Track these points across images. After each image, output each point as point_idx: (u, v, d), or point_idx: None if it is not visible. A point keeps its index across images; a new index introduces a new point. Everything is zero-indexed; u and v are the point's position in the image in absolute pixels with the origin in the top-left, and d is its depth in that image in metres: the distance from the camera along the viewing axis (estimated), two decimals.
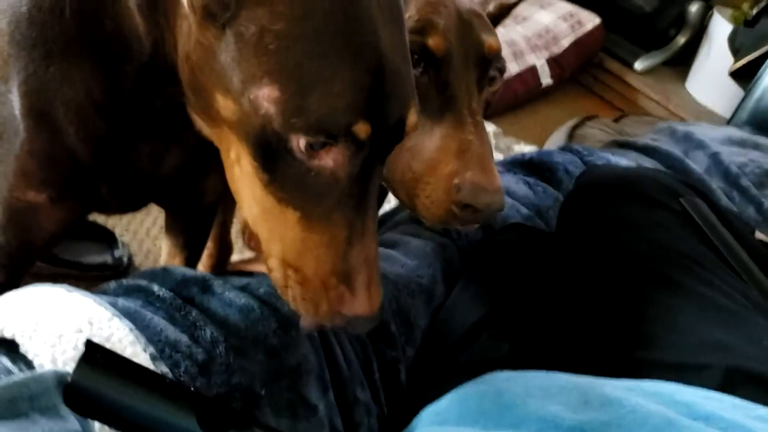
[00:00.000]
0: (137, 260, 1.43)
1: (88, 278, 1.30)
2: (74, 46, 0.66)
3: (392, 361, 0.83)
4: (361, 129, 0.52)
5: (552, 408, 0.64)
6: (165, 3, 0.59)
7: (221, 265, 1.31)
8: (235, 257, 1.41)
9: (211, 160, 0.79)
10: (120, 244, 1.38)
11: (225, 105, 0.55)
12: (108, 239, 1.38)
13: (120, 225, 1.46)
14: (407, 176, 0.73)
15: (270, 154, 0.54)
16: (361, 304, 0.56)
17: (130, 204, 0.88)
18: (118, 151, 0.73)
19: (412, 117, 0.57)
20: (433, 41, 0.72)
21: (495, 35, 0.77)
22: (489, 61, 0.76)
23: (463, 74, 0.73)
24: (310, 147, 0.52)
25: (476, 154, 0.70)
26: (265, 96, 0.51)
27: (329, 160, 0.54)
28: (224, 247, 1.31)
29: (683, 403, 0.62)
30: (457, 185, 0.69)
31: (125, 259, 1.37)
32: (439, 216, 0.71)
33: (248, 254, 1.51)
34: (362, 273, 0.56)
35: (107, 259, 1.35)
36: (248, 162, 0.56)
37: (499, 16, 0.87)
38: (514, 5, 0.89)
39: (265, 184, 0.56)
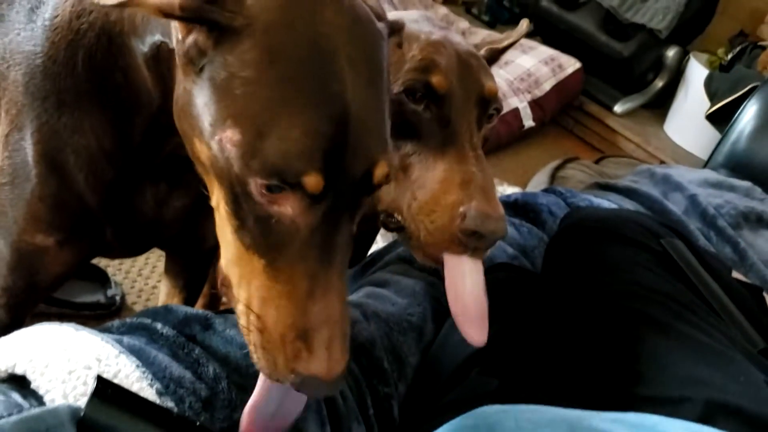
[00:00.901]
0: (129, 299, 1.44)
1: (80, 317, 1.32)
2: (86, 97, 0.69)
3: (385, 396, 0.85)
4: (312, 180, 0.52)
5: None
6: (166, 56, 0.61)
7: (213, 305, 1.33)
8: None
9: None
10: (113, 284, 1.40)
11: (201, 149, 0.56)
12: (101, 278, 1.40)
13: (112, 265, 1.48)
14: (413, 207, 0.75)
15: (237, 199, 0.55)
16: (317, 364, 0.53)
17: (134, 248, 0.91)
18: (125, 197, 0.75)
19: (380, 170, 0.56)
20: (435, 79, 0.75)
21: (492, 78, 0.81)
22: (488, 101, 0.79)
23: (464, 111, 0.76)
24: (268, 190, 0.52)
25: (479, 184, 0.72)
26: (228, 138, 0.52)
27: (288, 207, 0.53)
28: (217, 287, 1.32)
29: None
30: (463, 213, 0.71)
31: (118, 299, 1.39)
32: (443, 242, 0.73)
33: None
34: (322, 331, 0.54)
35: (100, 298, 1.37)
36: (223, 207, 0.57)
37: (490, 60, 0.90)
38: (504, 50, 0.92)
39: (235, 229, 0.56)
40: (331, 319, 0.54)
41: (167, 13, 0.52)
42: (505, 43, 0.92)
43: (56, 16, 0.69)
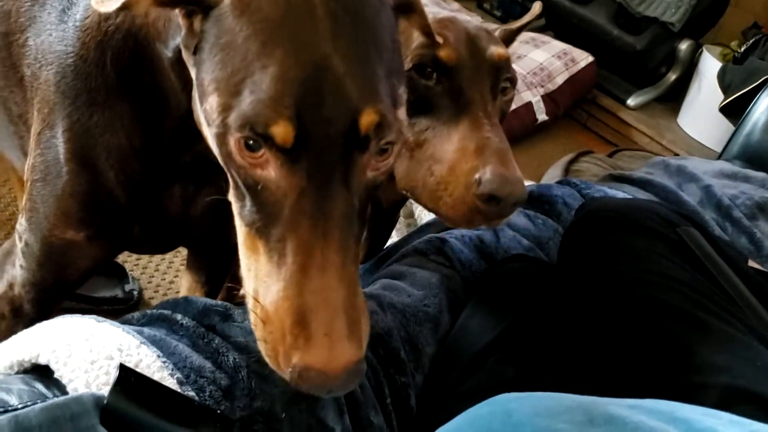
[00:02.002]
0: (146, 294, 1.46)
1: (99, 311, 1.33)
2: (116, 97, 0.70)
3: (402, 386, 0.85)
4: (280, 130, 0.48)
5: (559, 426, 0.66)
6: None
7: (231, 298, 1.34)
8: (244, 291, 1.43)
9: None
10: (130, 279, 1.42)
11: (207, 136, 0.55)
12: (119, 274, 1.41)
13: (130, 260, 1.50)
14: (429, 181, 0.75)
15: (233, 176, 0.53)
16: (316, 354, 0.48)
17: (161, 245, 0.92)
18: (153, 194, 0.76)
19: (367, 118, 0.51)
20: (443, 52, 0.76)
21: (503, 46, 0.81)
22: (499, 69, 0.79)
23: (475, 81, 0.76)
24: (247, 149, 0.50)
25: (495, 149, 0.72)
26: (211, 106, 0.52)
27: (269, 169, 0.51)
28: (239, 282, 1.33)
29: (682, 419, 0.65)
30: (479, 179, 0.70)
31: (135, 293, 1.40)
32: (463, 214, 0.72)
33: None
34: (320, 314, 0.48)
35: (118, 293, 1.38)
36: (231, 194, 0.56)
37: (505, 41, 0.90)
38: (519, 31, 0.92)
39: (239, 212, 0.55)
40: (330, 301, 0.49)
41: (162, 3, 0.54)
42: (520, 23, 0.92)
43: (87, 17, 0.70)
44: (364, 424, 0.77)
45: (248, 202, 0.53)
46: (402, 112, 0.55)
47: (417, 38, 0.77)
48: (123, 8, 0.53)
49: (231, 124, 0.50)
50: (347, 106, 0.50)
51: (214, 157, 0.59)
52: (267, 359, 0.53)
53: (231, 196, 0.57)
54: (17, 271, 0.85)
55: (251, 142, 0.50)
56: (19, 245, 0.83)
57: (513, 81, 0.82)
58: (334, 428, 0.72)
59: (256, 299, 0.54)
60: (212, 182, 0.78)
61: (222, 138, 0.52)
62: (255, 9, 0.52)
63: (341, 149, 0.51)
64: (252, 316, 0.54)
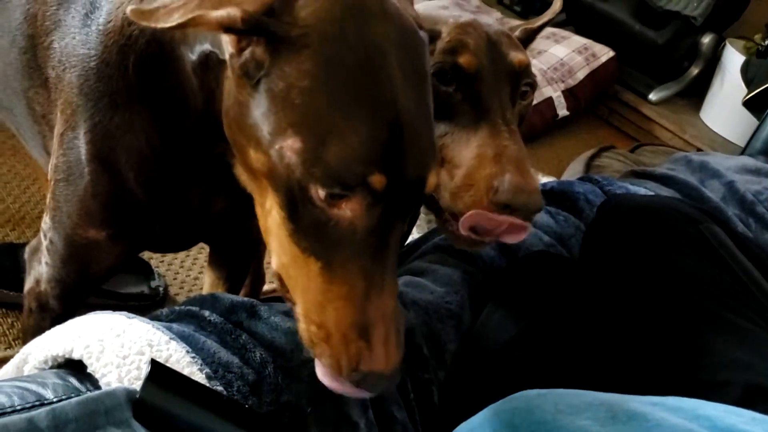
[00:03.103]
0: (172, 290, 1.48)
1: (126, 308, 1.35)
2: (137, 99, 0.71)
3: (425, 382, 0.86)
4: (377, 180, 0.54)
5: (581, 423, 0.67)
6: (215, 66, 0.63)
7: (254, 295, 1.36)
8: (266, 287, 1.46)
9: None
10: (156, 276, 1.44)
11: (257, 158, 0.58)
12: (145, 271, 1.43)
13: (155, 257, 1.52)
14: (449, 185, 0.76)
15: (294, 204, 0.56)
16: (377, 360, 0.55)
17: (182, 243, 0.93)
18: (173, 194, 0.78)
19: (433, 178, 0.58)
20: (463, 59, 0.76)
21: (523, 51, 0.81)
22: (519, 75, 0.79)
23: (495, 88, 0.77)
24: (330, 197, 0.54)
25: (513, 157, 0.73)
26: (289, 147, 0.54)
27: (347, 210, 0.55)
28: (257, 278, 1.36)
29: (705, 417, 0.66)
30: (496, 187, 0.71)
31: (161, 290, 1.42)
32: None
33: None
34: (379, 328, 0.56)
35: (144, 289, 1.40)
36: (277, 212, 0.58)
37: (525, 40, 0.90)
38: (540, 29, 0.92)
39: (291, 233, 0.58)
40: (386, 316, 0.56)
41: (228, 28, 0.54)
42: (540, 22, 0.92)
43: (109, 22, 0.71)
44: (387, 419, 0.78)
45: (308, 229, 0.57)
46: None
47: (437, 44, 0.77)
48: (183, 26, 0.54)
49: (318, 174, 0.54)
50: (421, 164, 0.57)
51: (233, 159, 0.64)
52: (328, 368, 0.58)
53: (273, 214, 0.60)
54: (43, 267, 0.87)
55: (336, 192, 0.54)
56: (44, 243, 0.85)
57: (533, 86, 0.82)
58: (358, 423, 0.74)
59: (307, 316, 0.59)
60: (232, 181, 0.79)
61: (301, 183, 0.55)
62: (334, 57, 0.54)
63: (408, 198, 0.57)
64: (303, 328, 0.60)
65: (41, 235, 0.86)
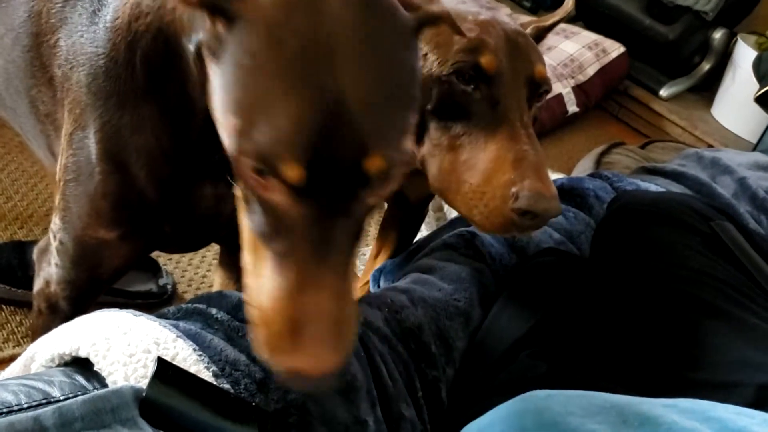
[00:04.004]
0: (180, 288, 1.48)
1: (133, 305, 1.35)
2: (145, 98, 0.71)
3: (433, 380, 0.86)
4: (289, 170, 0.51)
5: (592, 426, 0.66)
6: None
7: None
8: None
9: None
10: (164, 273, 1.43)
11: (222, 135, 0.57)
12: (152, 268, 1.43)
13: (164, 255, 1.52)
14: (464, 188, 0.75)
15: (243, 185, 0.56)
16: (302, 359, 0.53)
17: (192, 244, 0.93)
18: (184, 194, 0.77)
19: (374, 163, 0.53)
20: (485, 59, 0.76)
21: (542, 58, 0.81)
22: (538, 84, 0.79)
23: (513, 90, 0.76)
24: (257, 173, 0.53)
25: (532, 163, 0.72)
26: (231, 125, 0.53)
27: (276, 194, 0.53)
28: None
29: (716, 419, 0.65)
30: (515, 193, 0.71)
31: (169, 288, 1.42)
32: (497, 224, 0.73)
33: None
34: (311, 327, 0.53)
35: (152, 287, 1.40)
36: (238, 191, 0.59)
37: (536, 38, 0.90)
38: (551, 28, 0.92)
39: (246, 214, 0.58)
40: (322, 315, 0.53)
41: (188, 2, 0.54)
42: (552, 20, 0.91)
43: (117, 18, 0.71)
44: (395, 417, 0.78)
45: (256, 211, 0.56)
46: (408, 141, 0.57)
47: (458, 42, 0.76)
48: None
49: (247, 151, 0.52)
50: (356, 151, 0.52)
51: None
52: (260, 351, 0.56)
53: (238, 196, 0.59)
54: (53, 269, 0.87)
55: (262, 170, 0.52)
56: (54, 244, 0.85)
57: (549, 90, 0.82)
58: (366, 420, 0.73)
59: (251, 297, 0.58)
60: None
61: (235, 157, 0.54)
62: (280, 38, 0.52)
63: (347, 188, 0.54)
64: (251, 311, 0.57)
65: (50, 236, 0.86)
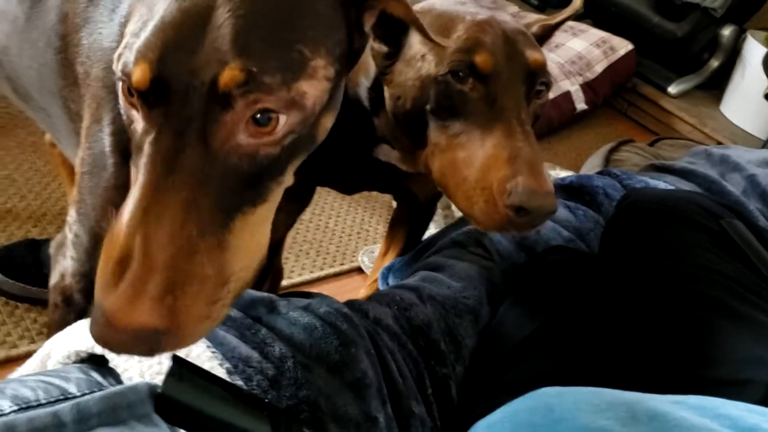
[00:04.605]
0: None
1: None
2: None
3: (443, 377, 0.87)
4: (137, 72, 0.48)
5: (602, 422, 0.67)
6: None
7: (273, 290, 1.37)
8: (284, 282, 1.46)
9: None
10: None
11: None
12: None
13: None
14: (463, 187, 0.76)
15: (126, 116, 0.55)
16: (113, 300, 0.45)
17: None
18: None
19: (228, 74, 0.49)
20: (480, 59, 0.76)
21: (539, 50, 0.81)
22: (535, 74, 0.79)
23: (511, 88, 0.77)
24: (127, 91, 0.51)
25: (527, 159, 0.73)
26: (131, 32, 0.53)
27: (134, 109, 0.51)
28: (276, 273, 1.36)
29: (726, 416, 0.65)
30: (509, 189, 0.71)
31: None
32: (495, 221, 0.74)
33: (296, 279, 1.56)
34: (135, 265, 0.46)
35: None
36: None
37: (543, 36, 0.90)
38: (558, 26, 0.92)
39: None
40: (148, 254, 0.46)
41: None
42: (559, 18, 0.91)
43: (129, 13, 0.72)
44: (406, 414, 0.79)
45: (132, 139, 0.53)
46: (306, 85, 0.53)
47: (454, 42, 0.77)
48: None
49: (118, 68, 0.51)
50: (212, 59, 0.49)
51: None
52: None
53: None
54: (68, 262, 0.88)
55: (126, 83, 0.50)
56: (69, 236, 0.86)
57: (548, 85, 0.82)
58: (377, 417, 0.74)
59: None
60: None
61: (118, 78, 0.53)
62: None
63: (200, 102, 0.49)
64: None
65: (66, 229, 0.87)
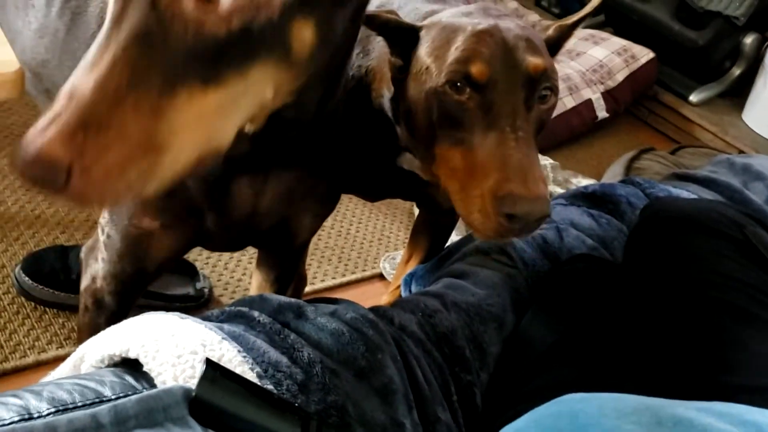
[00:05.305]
0: (216, 292, 1.51)
1: (172, 309, 1.38)
2: None
3: (468, 384, 0.87)
4: None
5: (626, 428, 0.67)
6: None
7: (297, 295, 1.38)
8: (307, 288, 1.48)
9: (305, 201, 0.86)
10: (201, 277, 1.46)
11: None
12: (190, 272, 1.46)
13: (200, 259, 1.55)
14: (461, 195, 0.78)
15: None
16: (31, 131, 0.46)
17: (232, 240, 0.95)
18: (224, 185, 0.80)
19: None
20: (475, 68, 0.77)
21: (542, 55, 0.80)
22: (536, 80, 0.79)
23: (508, 96, 0.77)
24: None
25: (515, 165, 0.73)
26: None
27: None
28: (300, 279, 1.38)
29: (752, 422, 0.65)
30: (500, 197, 0.73)
31: (206, 291, 1.45)
32: (491, 229, 0.75)
33: (318, 285, 1.58)
34: (58, 102, 0.47)
35: (189, 290, 1.43)
36: None
37: (561, 38, 0.90)
38: (575, 26, 0.91)
39: None
40: (74, 95, 0.47)
41: None
42: (575, 18, 0.90)
43: None
44: (432, 420, 0.79)
45: None
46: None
47: (452, 54, 0.78)
48: None
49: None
50: None
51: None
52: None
53: None
54: (99, 264, 0.90)
55: None
56: (102, 238, 0.88)
57: (553, 89, 0.81)
58: (404, 422, 0.75)
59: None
60: (278, 175, 0.82)
61: None
62: None
63: None
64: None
65: (98, 231, 0.89)
